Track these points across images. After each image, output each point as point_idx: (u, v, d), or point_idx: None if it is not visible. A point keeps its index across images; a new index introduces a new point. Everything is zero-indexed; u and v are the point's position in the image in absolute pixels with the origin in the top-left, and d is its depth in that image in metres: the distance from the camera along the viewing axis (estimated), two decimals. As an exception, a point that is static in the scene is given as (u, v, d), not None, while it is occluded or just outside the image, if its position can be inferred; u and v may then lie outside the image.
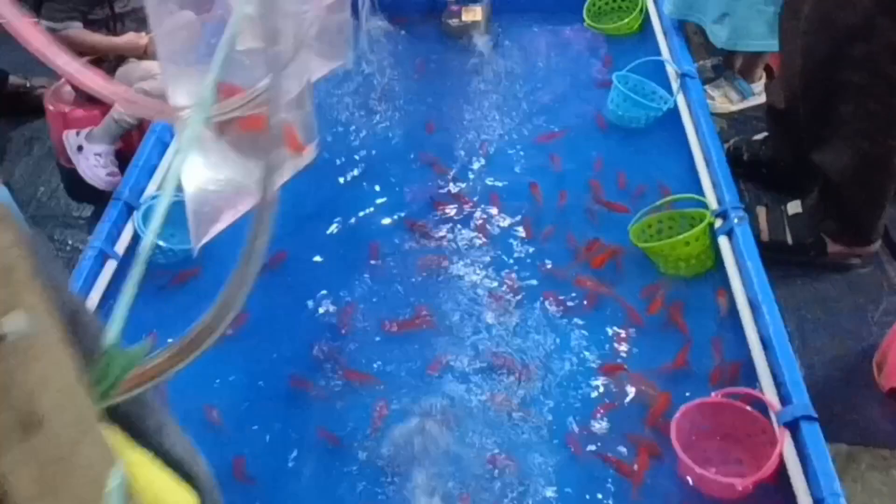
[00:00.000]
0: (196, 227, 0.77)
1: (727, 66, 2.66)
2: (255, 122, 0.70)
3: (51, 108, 2.31)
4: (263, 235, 0.52)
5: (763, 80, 2.62)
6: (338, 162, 2.27)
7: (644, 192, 2.11)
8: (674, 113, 2.29)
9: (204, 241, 0.78)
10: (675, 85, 2.34)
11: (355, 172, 2.24)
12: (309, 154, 0.78)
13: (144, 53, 2.21)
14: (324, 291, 1.88)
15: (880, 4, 1.69)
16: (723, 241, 1.85)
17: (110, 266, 1.82)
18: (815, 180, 2.03)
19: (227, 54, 0.64)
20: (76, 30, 2.16)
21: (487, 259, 1.96)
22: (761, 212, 2.08)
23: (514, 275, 1.91)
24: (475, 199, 2.13)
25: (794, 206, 2.07)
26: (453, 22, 2.79)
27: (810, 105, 1.94)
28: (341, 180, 2.22)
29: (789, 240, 2.02)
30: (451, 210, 2.10)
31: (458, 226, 2.05)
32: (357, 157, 2.29)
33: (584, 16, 2.77)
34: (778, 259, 1.96)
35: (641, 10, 2.72)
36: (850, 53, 1.77)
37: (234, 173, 0.75)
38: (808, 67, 1.89)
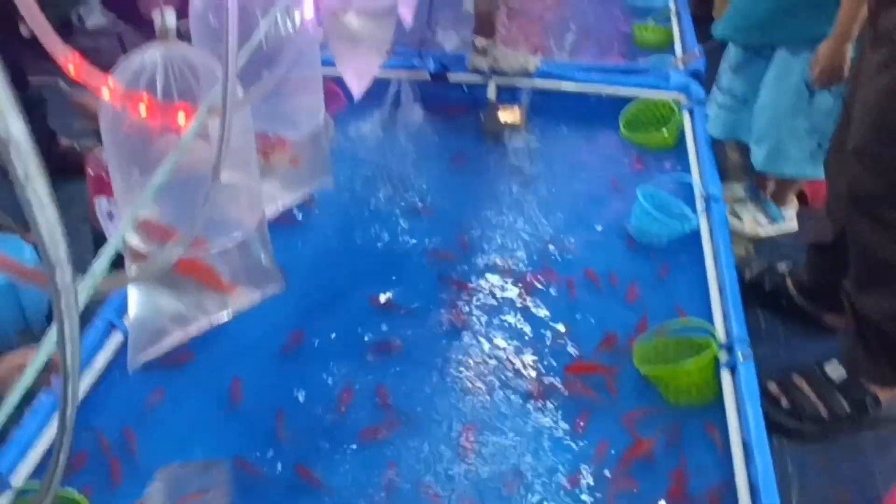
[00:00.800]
0: (134, 350, 0.80)
1: (760, 187, 2.65)
2: (191, 266, 0.72)
3: (90, 171, 2.40)
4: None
5: (795, 207, 2.60)
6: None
7: (656, 310, 2.09)
8: (696, 233, 2.29)
9: (140, 363, 0.80)
10: (699, 206, 2.33)
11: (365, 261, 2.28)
12: (247, 294, 0.80)
13: None
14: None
15: None
16: (725, 376, 1.81)
17: (116, 338, 1.87)
18: (836, 316, 1.99)
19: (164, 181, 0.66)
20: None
21: (487, 357, 1.96)
22: (801, 382, 1.95)
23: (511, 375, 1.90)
24: (481, 295, 2.15)
25: (835, 369, 1.95)
26: (491, 120, 2.84)
27: (854, 242, 1.88)
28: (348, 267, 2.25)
29: (847, 408, 1.90)
30: (460, 305, 2.12)
31: (465, 322, 2.06)
32: (377, 245, 2.33)
33: (621, 125, 2.80)
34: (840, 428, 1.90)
35: (678, 124, 2.73)
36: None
37: (175, 303, 0.77)
38: (853, 204, 1.85)
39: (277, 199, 1.00)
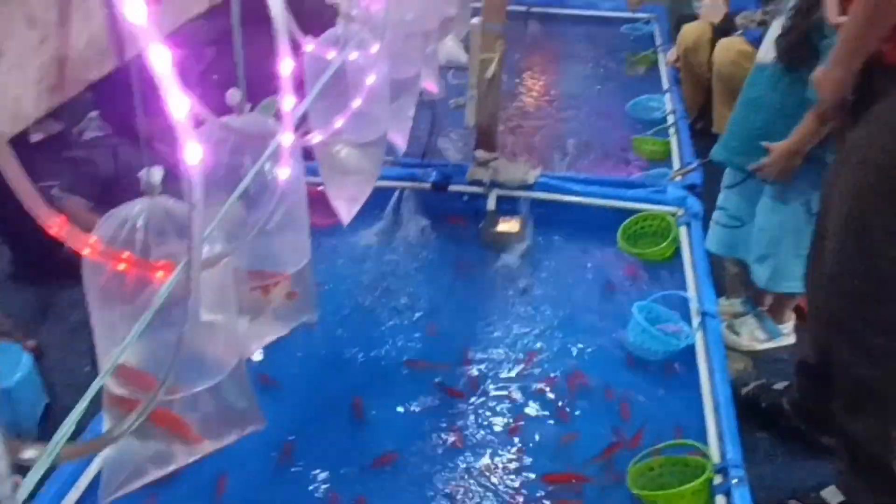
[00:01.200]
0: (107, 489, 0.80)
1: (757, 303, 2.66)
2: (164, 417, 0.74)
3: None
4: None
5: (792, 321, 2.61)
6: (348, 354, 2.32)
7: (651, 426, 2.08)
8: (693, 349, 2.29)
9: (110, 499, 0.80)
10: (695, 322, 2.34)
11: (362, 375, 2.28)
12: (218, 443, 0.81)
13: None
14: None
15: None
16: (719, 501, 1.78)
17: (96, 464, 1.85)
18: (833, 438, 1.96)
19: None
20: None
21: (476, 468, 1.94)
22: None
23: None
24: (478, 406, 2.15)
25: (833, 495, 1.92)
26: (491, 231, 2.88)
27: (837, 364, 1.87)
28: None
29: None
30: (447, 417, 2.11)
31: (452, 436, 2.04)
32: (374, 354, 2.33)
33: (619, 238, 2.83)
34: None
35: (675, 238, 2.76)
36: (873, 315, 1.74)
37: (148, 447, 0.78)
38: (832, 326, 1.86)
39: (265, 336, 1.02)
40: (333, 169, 1.33)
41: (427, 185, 2.95)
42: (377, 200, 2.92)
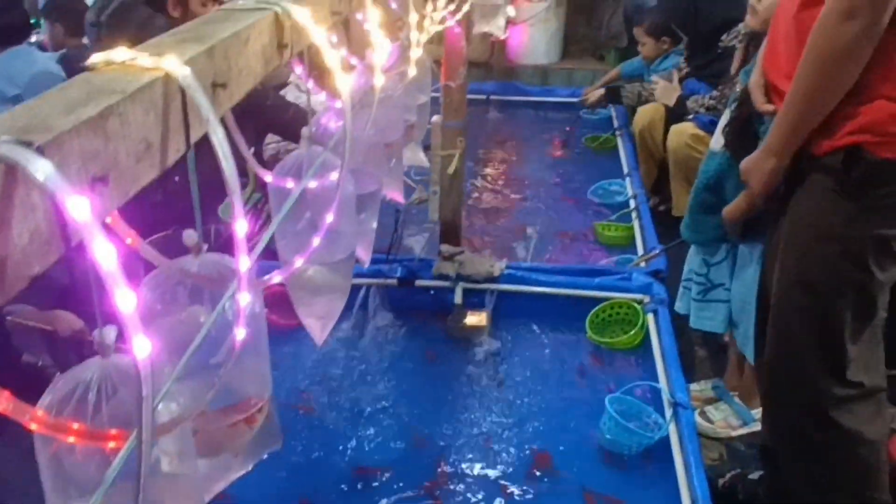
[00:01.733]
0: None
1: (727, 387, 2.65)
2: None
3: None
4: None
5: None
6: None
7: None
8: (667, 440, 2.27)
9: None
10: (668, 413, 2.32)
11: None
12: None
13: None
14: None
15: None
16: None
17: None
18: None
19: None
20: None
21: None
22: None
23: None
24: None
25: None
26: (459, 324, 2.87)
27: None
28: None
29: None
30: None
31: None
32: (340, 455, 2.28)
33: (587, 327, 2.83)
34: None
35: (643, 325, 2.77)
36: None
37: None
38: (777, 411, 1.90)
39: (231, 474, 0.98)
40: (303, 289, 1.31)
41: (393, 281, 2.94)
42: (344, 297, 2.92)
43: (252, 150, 1.08)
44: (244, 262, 0.75)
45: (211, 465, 0.92)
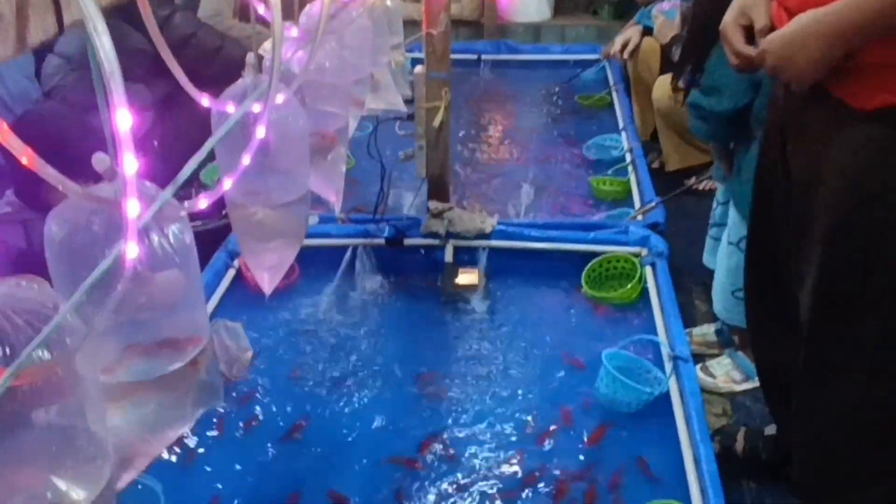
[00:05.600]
0: None
1: (731, 339, 2.56)
2: None
3: None
4: None
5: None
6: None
7: (628, 486, 1.95)
8: (667, 396, 2.17)
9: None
10: (668, 367, 2.22)
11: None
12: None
13: None
14: None
15: None
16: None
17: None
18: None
19: None
20: None
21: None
22: None
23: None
24: (434, 472, 2.02)
25: None
26: (450, 283, 2.77)
27: None
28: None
29: None
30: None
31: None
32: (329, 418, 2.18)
33: (583, 282, 2.72)
34: None
35: (640, 278, 2.66)
36: None
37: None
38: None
39: (168, 427, 0.88)
40: (250, 235, 1.21)
41: (381, 241, 2.83)
42: (330, 259, 2.81)
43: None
44: (133, 207, 0.64)
45: (144, 418, 0.81)
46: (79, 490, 0.67)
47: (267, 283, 1.17)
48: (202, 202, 0.77)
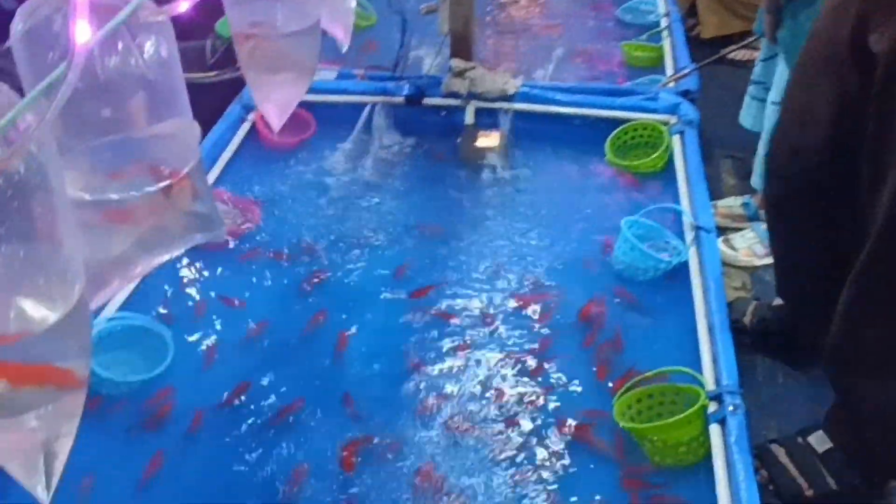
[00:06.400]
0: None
1: (758, 213, 2.48)
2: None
3: None
4: None
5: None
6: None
7: (642, 352, 1.92)
8: (686, 266, 2.11)
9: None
10: (688, 238, 2.15)
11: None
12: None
13: None
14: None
15: None
16: (714, 430, 1.63)
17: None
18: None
19: None
20: None
21: (461, 397, 1.79)
22: (780, 452, 1.73)
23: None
24: (455, 330, 2.01)
25: (819, 440, 1.72)
26: (469, 146, 2.68)
27: None
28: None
29: (833, 485, 1.67)
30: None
31: (437, 360, 1.90)
32: (345, 277, 2.16)
33: (607, 150, 2.63)
34: None
35: (667, 148, 2.56)
36: None
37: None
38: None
39: (156, 253, 0.83)
40: (259, 68, 1.12)
41: (400, 100, 2.73)
42: (346, 116, 2.73)
43: None
44: (82, 31, 0.56)
45: (122, 241, 0.76)
46: (44, 309, 0.63)
47: (275, 117, 1.10)
48: (183, 5, 0.69)
